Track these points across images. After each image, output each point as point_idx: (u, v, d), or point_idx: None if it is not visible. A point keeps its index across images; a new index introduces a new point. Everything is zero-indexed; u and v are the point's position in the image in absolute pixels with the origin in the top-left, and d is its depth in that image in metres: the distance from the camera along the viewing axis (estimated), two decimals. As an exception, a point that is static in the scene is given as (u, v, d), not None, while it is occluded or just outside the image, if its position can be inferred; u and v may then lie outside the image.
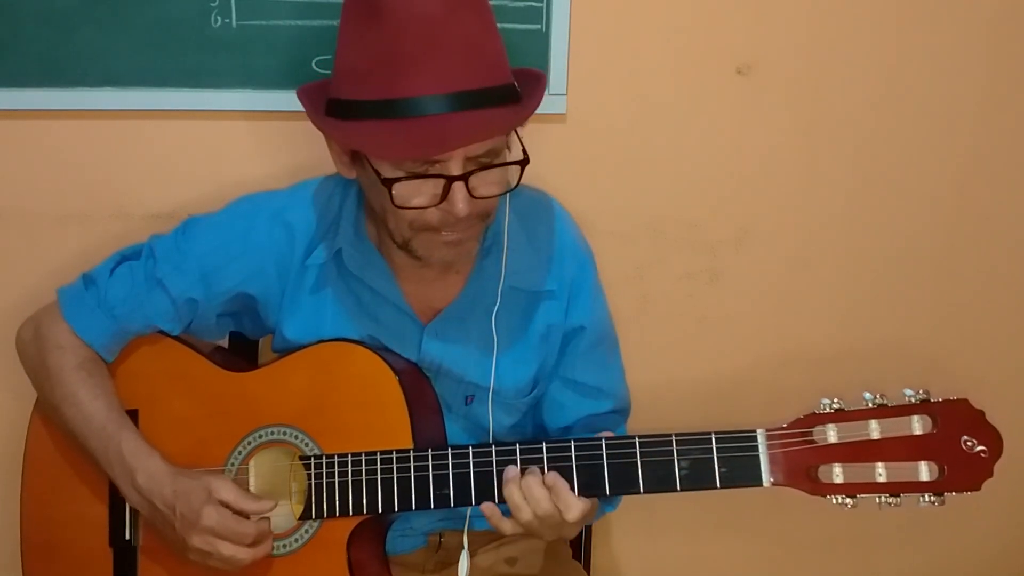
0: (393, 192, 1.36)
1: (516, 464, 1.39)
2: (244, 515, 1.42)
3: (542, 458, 1.37)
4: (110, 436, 1.47)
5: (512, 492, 1.38)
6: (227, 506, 1.41)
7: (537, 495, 1.37)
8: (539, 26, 1.72)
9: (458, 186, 1.34)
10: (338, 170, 1.48)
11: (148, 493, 1.44)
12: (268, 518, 1.45)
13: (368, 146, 1.37)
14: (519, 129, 1.42)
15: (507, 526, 1.41)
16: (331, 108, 1.41)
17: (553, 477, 1.37)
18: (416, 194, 1.36)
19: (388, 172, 1.36)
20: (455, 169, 1.34)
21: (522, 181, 1.41)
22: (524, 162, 1.40)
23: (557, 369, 1.62)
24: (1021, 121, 1.87)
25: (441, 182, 1.35)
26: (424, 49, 1.32)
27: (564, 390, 1.62)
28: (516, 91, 1.40)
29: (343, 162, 1.46)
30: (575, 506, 1.37)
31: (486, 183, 1.38)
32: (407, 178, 1.35)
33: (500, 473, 1.39)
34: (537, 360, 1.59)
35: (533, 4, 1.70)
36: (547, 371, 1.62)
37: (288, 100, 1.67)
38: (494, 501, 1.40)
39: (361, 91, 1.36)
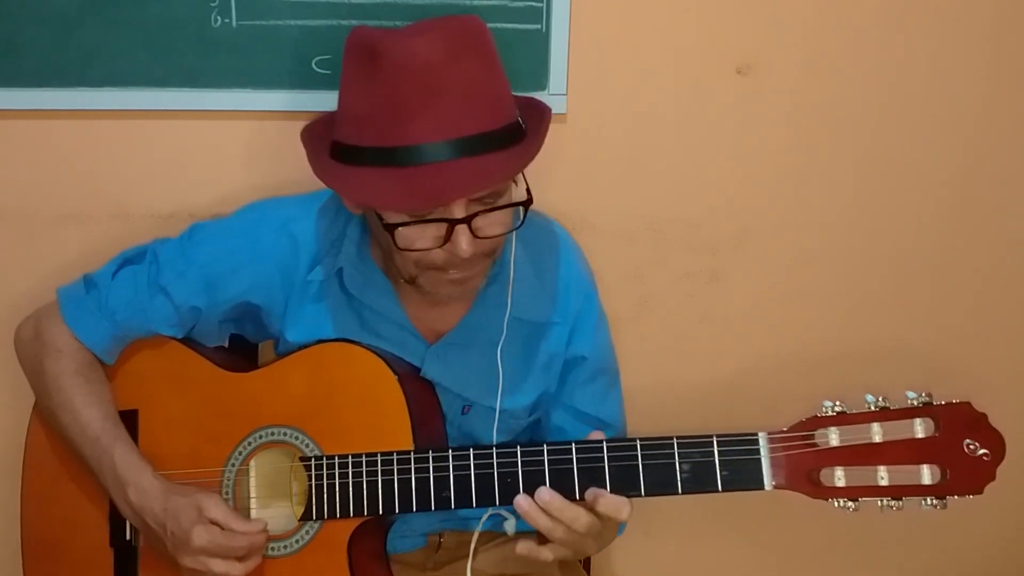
0: (396, 237, 1.36)
1: (517, 464, 1.38)
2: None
3: (543, 460, 1.37)
4: (104, 448, 1.46)
5: (537, 518, 1.33)
6: (216, 524, 1.41)
7: (559, 504, 1.33)
8: (539, 26, 1.71)
9: (461, 228, 1.34)
10: (346, 206, 1.48)
11: (139, 509, 1.44)
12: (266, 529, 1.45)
13: (369, 199, 1.37)
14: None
15: (547, 553, 1.37)
16: (335, 151, 1.41)
17: (593, 491, 1.33)
18: (420, 237, 1.37)
19: (391, 217, 1.36)
20: (458, 212, 1.34)
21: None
22: (528, 202, 1.40)
23: (558, 396, 1.62)
24: (1022, 121, 1.87)
25: (444, 225, 1.34)
26: (424, 97, 1.31)
27: (564, 416, 1.62)
28: (520, 127, 1.39)
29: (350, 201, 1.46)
30: (623, 504, 1.33)
31: (491, 223, 1.38)
32: (410, 223, 1.35)
33: (501, 476, 1.38)
34: (538, 389, 1.60)
35: (533, 4, 1.70)
36: (547, 397, 1.62)
37: (288, 100, 1.68)
38: (494, 503, 1.39)
39: (363, 137, 1.36)
